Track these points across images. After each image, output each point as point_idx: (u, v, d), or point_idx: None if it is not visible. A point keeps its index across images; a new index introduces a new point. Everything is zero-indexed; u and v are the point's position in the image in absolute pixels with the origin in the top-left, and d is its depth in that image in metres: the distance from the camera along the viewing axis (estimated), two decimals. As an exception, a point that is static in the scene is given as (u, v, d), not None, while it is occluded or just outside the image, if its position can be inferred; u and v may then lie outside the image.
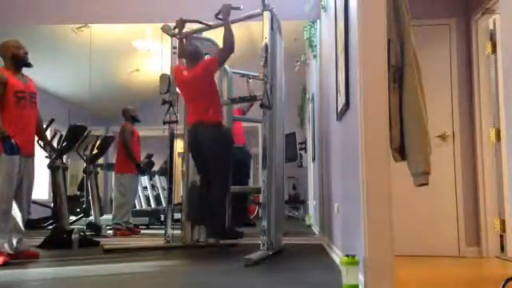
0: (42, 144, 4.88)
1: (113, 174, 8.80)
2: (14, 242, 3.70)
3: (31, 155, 4.06)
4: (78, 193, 8.15)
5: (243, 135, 6.20)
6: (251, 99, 5.05)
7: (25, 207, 3.90)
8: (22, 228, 3.81)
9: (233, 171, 4.34)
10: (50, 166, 4.99)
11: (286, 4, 5.01)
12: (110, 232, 5.97)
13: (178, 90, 4.59)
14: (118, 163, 6.23)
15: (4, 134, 3.63)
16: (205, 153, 4.20)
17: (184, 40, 4.57)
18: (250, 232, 5.69)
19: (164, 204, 6.82)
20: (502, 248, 3.93)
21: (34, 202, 7.15)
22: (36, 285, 2.91)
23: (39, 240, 4.72)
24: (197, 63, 4.24)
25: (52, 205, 5.21)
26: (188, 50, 4.37)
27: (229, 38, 4.12)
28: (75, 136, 5.27)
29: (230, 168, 4.27)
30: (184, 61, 4.44)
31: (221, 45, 4.24)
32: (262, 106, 4.03)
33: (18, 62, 3.99)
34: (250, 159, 6.00)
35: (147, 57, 8.10)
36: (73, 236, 4.62)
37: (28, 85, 4.03)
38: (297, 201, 9.55)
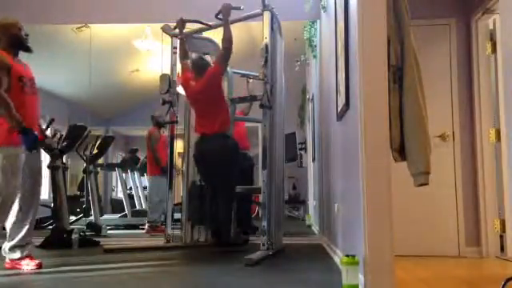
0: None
1: (113, 173, 8.83)
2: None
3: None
4: (78, 193, 8.15)
5: (246, 138, 6.17)
6: (251, 99, 5.05)
7: (33, 211, 3.56)
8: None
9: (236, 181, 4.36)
10: (49, 166, 4.99)
11: (286, 4, 5.01)
12: (144, 229, 6.38)
13: (186, 98, 4.61)
14: (148, 166, 6.67)
15: (23, 126, 3.17)
16: (211, 165, 4.22)
17: (185, 42, 4.58)
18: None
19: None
20: (502, 248, 3.93)
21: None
22: (36, 285, 2.91)
23: (39, 240, 4.72)
24: (204, 73, 4.26)
25: (52, 205, 5.20)
26: (194, 63, 4.37)
27: (228, 39, 4.13)
28: (75, 136, 5.27)
29: (235, 179, 4.29)
30: (189, 62, 4.43)
31: (220, 45, 4.24)
32: (261, 106, 4.03)
33: (18, 44, 3.49)
34: (253, 167, 6.02)
35: (147, 57, 8.09)
36: (73, 236, 4.62)
37: (26, 70, 3.58)
38: (297, 201, 9.55)
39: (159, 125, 6.45)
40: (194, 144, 4.43)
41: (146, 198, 8.79)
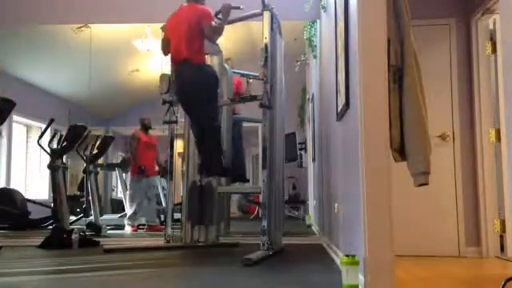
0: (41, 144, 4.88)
1: (113, 173, 8.83)
2: None
3: None
4: (78, 193, 8.15)
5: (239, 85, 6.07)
6: (251, 99, 5.04)
7: None
8: None
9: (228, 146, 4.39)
10: (49, 166, 4.99)
11: (286, 4, 5.01)
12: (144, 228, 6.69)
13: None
14: (130, 167, 6.97)
15: None
16: (191, 94, 4.19)
17: None
18: (250, 232, 5.70)
19: (164, 204, 6.86)
20: (502, 248, 3.93)
21: (34, 202, 7.21)
22: (36, 285, 2.91)
23: (39, 240, 4.72)
24: (195, 2, 4.19)
25: (52, 205, 5.20)
26: None
27: (218, 28, 4.07)
28: (75, 136, 5.27)
29: (217, 109, 4.30)
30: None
31: (221, 46, 4.24)
32: (261, 105, 4.03)
33: None
34: (241, 130, 6.04)
35: (147, 57, 8.10)
36: (73, 236, 4.62)
37: None
38: (297, 201, 9.55)
39: (144, 127, 6.80)
40: (174, 75, 4.32)
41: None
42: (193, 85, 4.15)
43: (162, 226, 6.64)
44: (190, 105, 4.30)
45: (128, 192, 6.84)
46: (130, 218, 6.67)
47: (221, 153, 4.29)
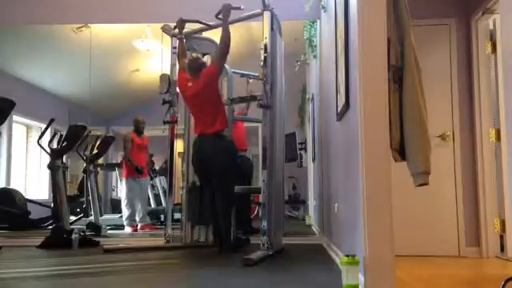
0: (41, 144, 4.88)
1: (113, 173, 8.86)
2: None
3: None
4: (78, 193, 8.15)
5: (245, 140, 6.18)
6: (251, 99, 5.05)
7: None
8: None
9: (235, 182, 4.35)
10: (50, 166, 4.99)
11: (286, 4, 5.01)
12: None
13: (183, 99, 4.57)
14: (124, 168, 6.93)
15: None
16: (209, 166, 4.23)
17: (184, 41, 4.58)
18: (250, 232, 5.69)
19: (164, 204, 6.87)
20: (502, 248, 3.93)
21: (34, 202, 7.20)
22: (36, 285, 2.91)
23: (39, 240, 4.72)
24: (199, 74, 4.26)
25: (52, 205, 5.20)
26: (189, 65, 4.35)
27: (225, 39, 4.13)
28: (75, 136, 5.27)
29: (234, 180, 4.28)
30: (186, 62, 4.44)
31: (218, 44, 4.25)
32: (261, 106, 4.03)
33: None
34: (252, 169, 6.04)
35: (147, 57, 8.09)
36: (73, 236, 4.62)
37: None
38: (297, 201, 9.54)
39: (137, 130, 6.82)
40: (192, 145, 4.43)
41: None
42: (212, 159, 4.19)
43: (155, 226, 6.79)
44: (205, 173, 4.33)
45: (124, 193, 6.82)
46: (128, 217, 6.68)
47: (229, 223, 4.27)
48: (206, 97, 4.22)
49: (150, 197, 8.93)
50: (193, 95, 4.29)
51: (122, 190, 7.00)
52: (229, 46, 4.16)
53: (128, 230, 6.63)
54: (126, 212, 6.72)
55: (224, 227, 4.21)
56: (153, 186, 9.09)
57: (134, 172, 6.67)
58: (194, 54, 4.84)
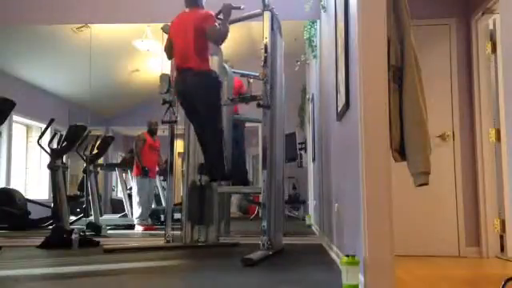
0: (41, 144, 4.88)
1: (113, 173, 8.87)
2: None
3: None
4: (78, 193, 8.15)
5: (241, 87, 6.06)
6: (251, 99, 5.04)
7: None
8: None
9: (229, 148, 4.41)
10: (49, 166, 4.98)
11: (286, 4, 5.01)
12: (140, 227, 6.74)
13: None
14: (134, 168, 7.08)
15: None
16: (194, 100, 4.21)
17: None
18: (250, 232, 5.70)
19: (164, 204, 6.88)
20: (502, 248, 3.93)
21: (34, 202, 7.21)
22: (36, 285, 2.91)
23: (39, 240, 4.72)
24: (197, 7, 4.22)
25: (52, 205, 5.20)
26: None
27: (223, 31, 4.09)
28: (75, 136, 5.26)
29: (221, 114, 4.28)
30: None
31: (221, 46, 4.25)
32: (261, 106, 4.03)
33: None
34: (243, 132, 6.05)
35: (147, 57, 8.10)
36: (73, 236, 4.62)
37: None
38: (297, 201, 9.54)
39: (150, 131, 7.02)
40: (175, 82, 4.35)
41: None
42: (197, 91, 4.16)
43: (155, 226, 6.82)
44: (193, 110, 4.30)
45: (134, 191, 6.92)
46: (140, 216, 6.74)
47: (223, 156, 4.28)
48: (196, 29, 4.10)
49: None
50: (184, 21, 4.18)
51: (132, 189, 7.09)
52: (225, 38, 4.12)
53: (139, 228, 6.67)
54: (137, 210, 6.78)
55: (216, 156, 4.20)
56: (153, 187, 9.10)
57: (141, 171, 6.83)
58: None
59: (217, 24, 4.11)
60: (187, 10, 4.27)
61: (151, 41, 7.20)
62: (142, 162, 6.83)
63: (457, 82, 4.14)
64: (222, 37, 4.12)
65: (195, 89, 4.16)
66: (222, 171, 4.24)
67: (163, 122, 4.77)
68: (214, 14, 4.18)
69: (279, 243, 4.25)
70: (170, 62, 4.84)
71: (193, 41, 4.12)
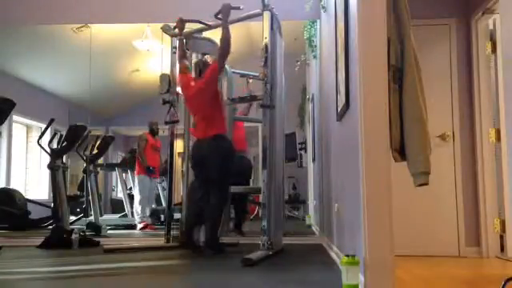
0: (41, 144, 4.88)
1: (113, 173, 8.87)
2: None
3: None
4: (78, 193, 8.15)
5: (244, 140, 6.21)
6: (251, 99, 5.05)
7: None
8: None
9: (232, 181, 4.39)
10: (50, 166, 4.98)
11: (286, 4, 5.01)
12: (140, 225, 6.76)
13: (185, 102, 4.63)
14: (136, 166, 7.16)
15: None
16: (206, 165, 4.25)
17: (184, 41, 4.58)
18: (250, 232, 5.70)
19: (164, 204, 6.88)
20: (502, 248, 3.93)
21: (34, 202, 7.20)
22: (36, 285, 2.91)
23: (39, 240, 4.72)
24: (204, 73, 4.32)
25: (52, 205, 5.20)
26: (198, 64, 4.45)
27: (226, 39, 4.14)
28: (75, 136, 5.26)
29: (228, 180, 4.31)
30: (187, 63, 4.48)
31: (219, 44, 4.25)
32: (262, 106, 4.03)
33: None
34: (250, 170, 6.07)
35: (147, 57, 8.09)
36: (73, 236, 4.62)
37: None
38: (297, 201, 9.53)
39: (152, 131, 7.05)
40: (192, 148, 4.45)
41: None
42: (208, 158, 4.22)
43: (155, 226, 6.81)
44: (203, 173, 4.34)
45: (136, 190, 6.95)
46: (140, 214, 6.77)
47: (218, 223, 4.30)
48: (207, 94, 4.23)
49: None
50: (195, 93, 4.30)
51: (134, 188, 7.15)
52: (230, 45, 4.17)
53: (139, 226, 6.69)
54: (139, 209, 6.81)
55: (211, 226, 4.19)
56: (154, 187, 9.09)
57: (144, 171, 6.88)
58: (194, 55, 4.85)
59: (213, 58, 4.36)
60: (194, 79, 4.41)
61: (151, 41, 7.20)
62: (146, 161, 6.88)
63: (457, 82, 4.14)
64: (227, 44, 4.17)
65: (208, 154, 4.25)
66: (214, 245, 4.20)
67: (166, 123, 4.78)
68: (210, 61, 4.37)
69: (279, 243, 4.25)
70: (169, 61, 4.85)
71: (207, 111, 4.30)
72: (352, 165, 2.76)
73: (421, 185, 2.44)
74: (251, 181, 8.03)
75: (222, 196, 4.26)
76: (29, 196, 7.66)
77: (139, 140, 7.07)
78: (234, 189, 4.55)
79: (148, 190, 6.98)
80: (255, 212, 8.95)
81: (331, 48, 3.94)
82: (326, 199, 4.77)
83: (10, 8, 5.45)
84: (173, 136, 4.88)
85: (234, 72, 5.34)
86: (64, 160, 5.26)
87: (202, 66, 4.41)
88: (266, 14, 4.11)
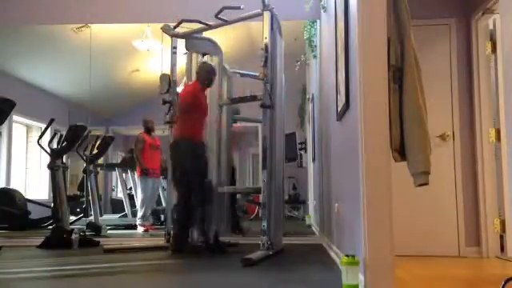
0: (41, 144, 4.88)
1: (113, 173, 8.88)
2: None
3: None
4: (78, 193, 8.15)
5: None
6: (251, 99, 5.04)
7: None
8: None
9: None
10: (49, 166, 4.98)
11: (286, 4, 5.01)
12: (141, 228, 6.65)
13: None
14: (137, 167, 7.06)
15: None
16: (175, 166, 4.43)
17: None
18: (250, 232, 5.70)
19: (164, 204, 6.88)
20: (502, 248, 3.93)
21: (34, 202, 7.21)
22: (36, 285, 2.91)
23: (39, 240, 4.72)
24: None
25: (52, 205, 5.20)
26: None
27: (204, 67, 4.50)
28: (75, 136, 5.26)
29: (192, 179, 4.34)
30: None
31: (221, 46, 4.27)
32: (262, 106, 4.03)
33: None
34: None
35: (147, 57, 8.10)
36: (73, 236, 4.62)
37: None
38: (297, 201, 9.54)
39: (147, 129, 6.89)
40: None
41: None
42: (176, 159, 4.43)
43: (154, 226, 6.80)
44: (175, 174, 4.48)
45: (138, 191, 6.88)
46: (142, 217, 6.68)
47: (183, 224, 4.36)
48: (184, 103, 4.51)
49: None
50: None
51: (136, 189, 7.09)
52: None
53: (140, 229, 6.61)
54: (139, 211, 6.73)
55: (178, 226, 4.32)
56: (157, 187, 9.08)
57: (142, 172, 6.77)
58: (194, 54, 4.84)
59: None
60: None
61: (151, 41, 7.20)
62: (144, 163, 6.75)
63: (457, 82, 4.14)
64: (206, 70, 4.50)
65: (176, 156, 4.47)
66: (181, 241, 4.30)
67: (166, 123, 4.78)
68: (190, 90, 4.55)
69: (279, 243, 4.25)
70: (169, 61, 4.86)
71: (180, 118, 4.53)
72: (352, 165, 2.76)
73: (421, 185, 2.44)
74: (250, 181, 8.05)
75: (183, 195, 4.35)
76: (29, 196, 7.67)
77: (136, 142, 6.94)
78: (234, 189, 4.56)
79: (150, 189, 6.89)
80: (255, 212, 8.96)
81: (331, 48, 3.94)
82: (325, 199, 4.78)
83: (9, 8, 5.45)
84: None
85: (233, 72, 5.33)
86: (64, 160, 5.26)
87: (198, 70, 4.55)
88: (266, 14, 4.11)
